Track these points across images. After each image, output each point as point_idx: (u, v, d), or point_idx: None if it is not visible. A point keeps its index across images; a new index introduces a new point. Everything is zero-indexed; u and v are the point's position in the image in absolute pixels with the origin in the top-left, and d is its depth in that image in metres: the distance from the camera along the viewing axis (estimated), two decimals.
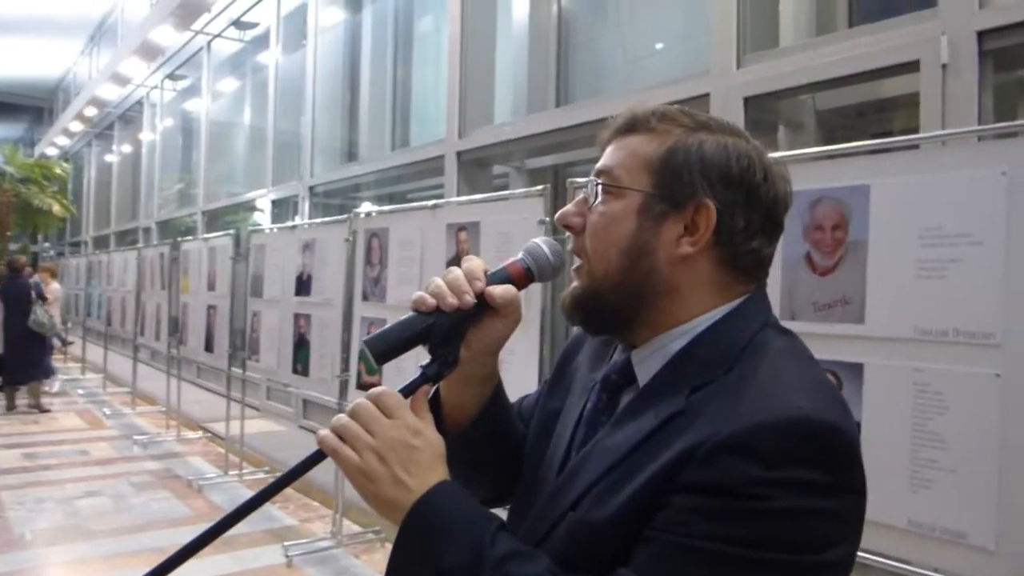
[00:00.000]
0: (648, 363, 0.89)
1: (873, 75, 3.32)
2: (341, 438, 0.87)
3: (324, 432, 0.88)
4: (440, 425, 0.95)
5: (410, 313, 0.92)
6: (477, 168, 5.94)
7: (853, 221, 2.15)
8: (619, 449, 0.84)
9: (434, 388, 0.97)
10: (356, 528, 4.65)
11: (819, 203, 2.23)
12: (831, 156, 2.33)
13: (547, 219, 3.18)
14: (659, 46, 5.64)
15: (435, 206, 3.90)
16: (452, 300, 0.90)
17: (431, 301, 0.90)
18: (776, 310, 2.31)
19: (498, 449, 1.04)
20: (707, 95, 3.85)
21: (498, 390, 1.03)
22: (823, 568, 0.74)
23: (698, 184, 0.86)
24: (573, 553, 0.82)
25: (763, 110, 3.81)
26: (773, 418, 0.75)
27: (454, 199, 4.10)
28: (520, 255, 0.97)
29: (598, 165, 0.92)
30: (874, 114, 4.07)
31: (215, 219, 11.61)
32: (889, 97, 3.77)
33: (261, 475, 5.91)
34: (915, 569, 2.03)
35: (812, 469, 0.74)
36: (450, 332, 0.92)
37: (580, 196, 0.93)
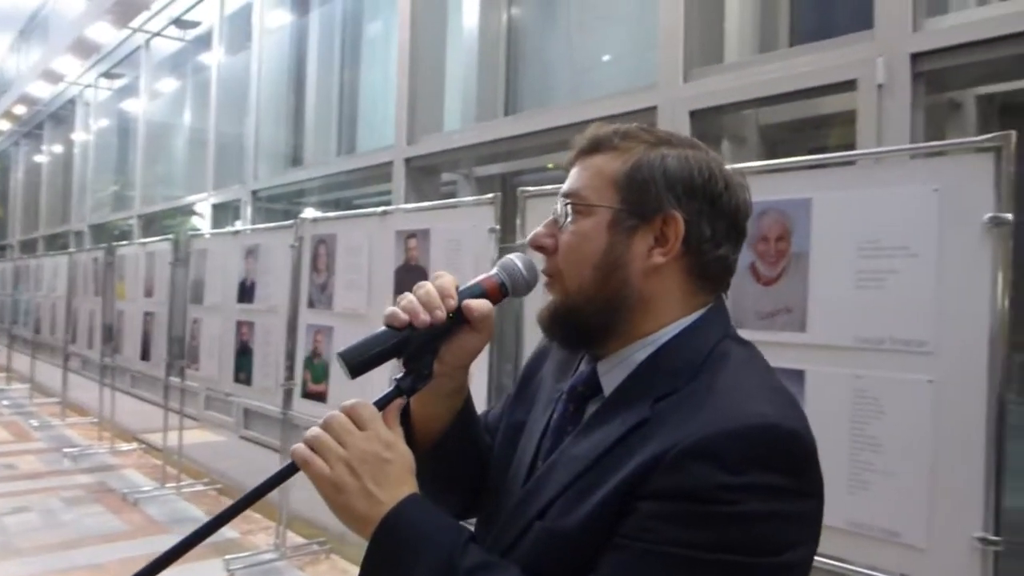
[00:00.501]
0: (613, 373, 0.92)
1: (814, 92, 3.44)
2: (313, 449, 0.86)
3: (297, 444, 0.88)
4: (410, 438, 0.95)
5: (384, 327, 0.92)
6: (425, 175, 5.92)
7: (796, 233, 2.23)
8: (586, 457, 0.86)
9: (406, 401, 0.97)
10: (300, 540, 4.58)
11: (764, 215, 2.30)
12: (774, 170, 2.40)
13: (497, 227, 3.21)
14: (606, 58, 5.73)
15: (384, 213, 3.88)
16: (425, 317, 0.91)
17: (404, 317, 0.91)
18: None
19: (467, 462, 1.05)
20: (655, 107, 3.93)
21: (467, 403, 1.04)
22: (785, 569, 0.77)
23: (664, 196, 0.89)
24: (541, 561, 0.84)
25: (708, 124, 3.91)
26: (737, 425, 0.78)
27: (404, 206, 4.09)
28: (495, 270, 0.98)
29: (565, 187, 0.95)
30: (813, 129, 4.21)
31: (151, 223, 11.30)
32: (828, 114, 3.91)
33: (200, 487, 5.76)
34: (854, 568, 2.10)
35: (775, 474, 0.77)
36: (424, 346, 0.93)
37: (550, 218, 0.95)
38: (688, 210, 0.89)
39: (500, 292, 0.97)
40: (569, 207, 0.92)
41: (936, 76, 3.12)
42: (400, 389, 0.93)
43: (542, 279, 0.98)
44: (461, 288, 0.96)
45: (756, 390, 0.84)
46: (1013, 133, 1.80)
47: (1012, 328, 1.83)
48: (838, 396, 2.12)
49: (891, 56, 3.06)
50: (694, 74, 3.87)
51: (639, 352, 0.90)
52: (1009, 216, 1.81)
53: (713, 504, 0.75)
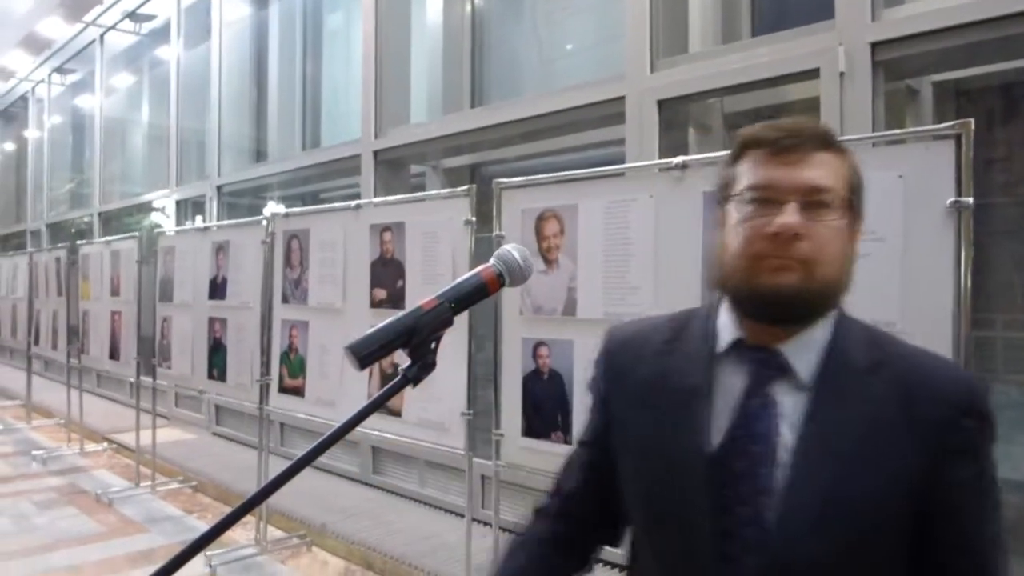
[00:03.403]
0: (803, 354, 0.99)
1: (778, 81, 3.53)
2: None
3: None
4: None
5: (391, 318, 0.96)
6: (394, 168, 5.92)
7: None
8: (845, 433, 0.95)
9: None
10: (280, 534, 4.59)
11: None
12: None
13: (473, 219, 3.24)
14: (570, 47, 5.78)
15: (358, 207, 3.89)
16: None
17: None
18: (697, 303, 2.45)
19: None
20: (623, 97, 3.99)
21: None
22: None
23: (862, 197, 1.03)
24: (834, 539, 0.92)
25: (675, 113, 3.98)
26: (973, 383, 0.98)
27: (377, 199, 4.10)
28: (492, 261, 1.03)
29: (812, 178, 0.97)
30: (776, 117, 4.31)
31: (111, 220, 11.09)
32: (790, 101, 4.01)
33: (175, 485, 5.72)
34: None
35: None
36: (429, 336, 0.97)
37: (791, 205, 0.96)
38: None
39: (498, 282, 1.02)
40: (827, 199, 0.97)
41: (895, 64, 3.23)
42: (407, 378, 0.97)
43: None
44: (460, 279, 1.01)
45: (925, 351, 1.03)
46: (972, 121, 1.89)
47: (973, 307, 1.93)
48: None
49: (851, 45, 3.16)
50: (661, 64, 3.93)
51: (818, 332, 1.00)
52: (970, 200, 1.90)
53: (989, 454, 0.95)
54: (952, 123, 1.93)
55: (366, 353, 0.95)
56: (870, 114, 3.10)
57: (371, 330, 0.96)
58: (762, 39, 3.68)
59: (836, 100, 3.18)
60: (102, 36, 11.08)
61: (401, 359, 0.98)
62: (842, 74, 3.16)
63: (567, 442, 2.86)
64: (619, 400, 1.12)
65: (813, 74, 3.30)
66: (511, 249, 1.04)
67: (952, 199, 1.94)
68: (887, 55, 3.14)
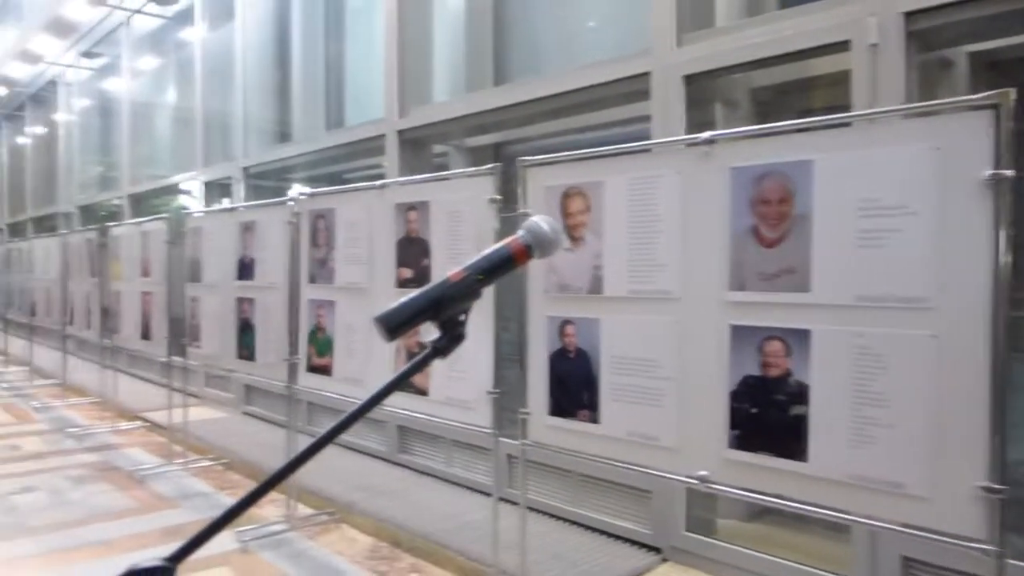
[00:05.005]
0: None
1: (806, 54, 3.45)
2: None
3: None
4: None
5: (419, 291, 0.96)
6: (417, 147, 5.91)
7: (798, 195, 2.26)
8: None
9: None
10: (309, 511, 4.65)
11: (765, 178, 2.34)
12: (774, 133, 2.43)
13: (498, 197, 3.23)
14: (593, 23, 5.70)
15: (383, 186, 3.89)
16: None
17: None
18: (724, 281, 2.43)
19: None
20: (648, 73, 3.94)
21: None
22: None
23: None
24: None
25: (701, 88, 3.92)
26: None
27: (402, 179, 4.10)
28: (520, 232, 1.02)
29: None
30: (803, 91, 4.23)
31: (140, 202, 11.22)
32: (818, 75, 3.92)
33: (206, 463, 5.81)
34: (857, 519, 2.18)
35: None
36: (458, 308, 0.96)
37: None
38: None
39: (527, 253, 1.01)
40: None
41: (928, 34, 3.14)
42: (436, 349, 0.97)
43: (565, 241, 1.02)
44: (487, 251, 1.00)
45: None
46: (1012, 90, 1.83)
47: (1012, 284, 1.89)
48: (842, 354, 2.17)
49: (883, 15, 3.08)
50: (687, 39, 3.87)
51: None
52: (1009, 172, 1.85)
53: None
54: (990, 92, 1.88)
55: (395, 324, 0.95)
56: (903, 87, 3.03)
57: (400, 301, 0.96)
58: (790, 11, 3.59)
59: (867, 73, 3.11)
60: (128, 19, 11.15)
61: (428, 339, 0.98)
62: (873, 45, 3.08)
63: (594, 421, 2.86)
64: None
65: (843, 46, 3.22)
66: (539, 220, 1.03)
67: (990, 172, 1.89)
68: (920, 25, 3.05)
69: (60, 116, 14.98)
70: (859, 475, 2.15)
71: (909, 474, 2.05)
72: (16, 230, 17.43)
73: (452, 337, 0.97)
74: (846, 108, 3.16)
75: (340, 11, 8.13)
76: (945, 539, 1.99)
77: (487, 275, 0.97)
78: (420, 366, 0.95)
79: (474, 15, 6.18)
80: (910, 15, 3.05)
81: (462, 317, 0.97)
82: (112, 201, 12.21)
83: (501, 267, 1.00)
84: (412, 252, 3.67)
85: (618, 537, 4.03)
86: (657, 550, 3.85)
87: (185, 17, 9.90)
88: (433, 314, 0.95)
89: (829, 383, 2.20)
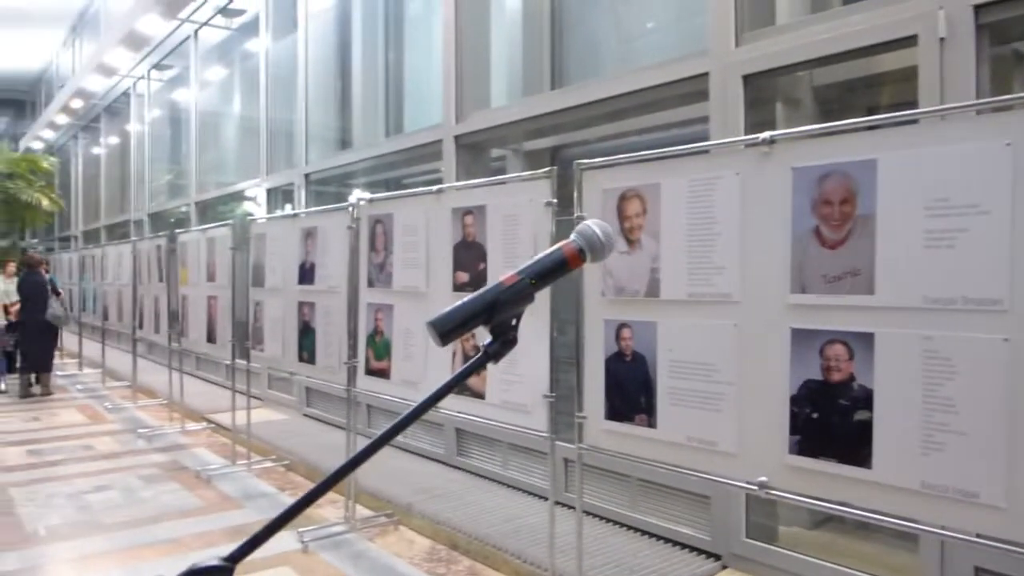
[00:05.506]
0: None
1: (871, 50, 3.36)
2: None
3: None
4: None
5: (472, 295, 0.97)
6: (475, 152, 5.96)
7: (861, 195, 2.20)
8: None
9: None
10: (368, 512, 4.72)
11: (827, 178, 2.29)
12: (837, 132, 2.37)
13: (554, 201, 3.23)
14: (650, 25, 5.66)
15: (439, 191, 3.93)
16: None
17: None
18: (786, 283, 2.37)
19: None
20: (706, 74, 3.89)
21: None
22: None
23: None
24: None
25: (761, 88, 3.85)
26: None
27: (458, 183, 4.13)
28: (573, 236, 1.02)
29: None
30: (868, 88, 4.12)
31: (207, 210, 11.58)
32: (883, 72, 3.81)
33: (269, 464, 5.95)
34: (929, 529, 2.10)
35: None
36: (510, 312, 0.96)
37: None
38: None
39: (579, 257, 1.01)
40: None
41: (1000, 27, 3.02)
42: (488, 354, 0.97)
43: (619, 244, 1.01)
44: (540, 255, 1.00)
45: None
46: None
47: None
48: (909, 358, 2.10)
49: (952, 8, 2.98)
50: (746, 38, 3.81)
51: None
52: None
53: None
54: None
55: (448, 328, 0.95)
56: (973, 82, 2.92)
57: (452, 306, 0.96)
58: (855, 6, 3.50)
59: (936, 68, 3.00)
60: (196, 32, 11.53)
61: (485, 342, 0.98)
62: (943, 40, 2.98)
63: (651, 425, 2.83)
64: None
65: (911, 41, 3.12)
66: (592, 224, 1.02)
67: None
68: (992, 17, 2.94)
69: (132, 126, 15.57)
70: (929, 483, 2.07)
71: (983, 483, 1.97)
72: (89, 237, 18.18)
73: (504, 341, 0.97)
74: (913, 105, 3.07)
75: (399, 19, 8.26)
76: (1022, 550, 1.90)
77: (540, 279, 0.97)
78: (472, 370, 0.96)
79: (531, 19, 6.20)
80: (980, 7, 2.94)
81: (514, 321, 0.98)
82: (180, 208, 12.63)
83: (554, 271, 1.00)
84: (469, 256, 3.69)
85: (676, 543, 3.98)
86: (717, 556, 3.78)
87: (251, 29, 10.20)
88: (486, 318, 0.96)
89: (895, 388, 2.13)
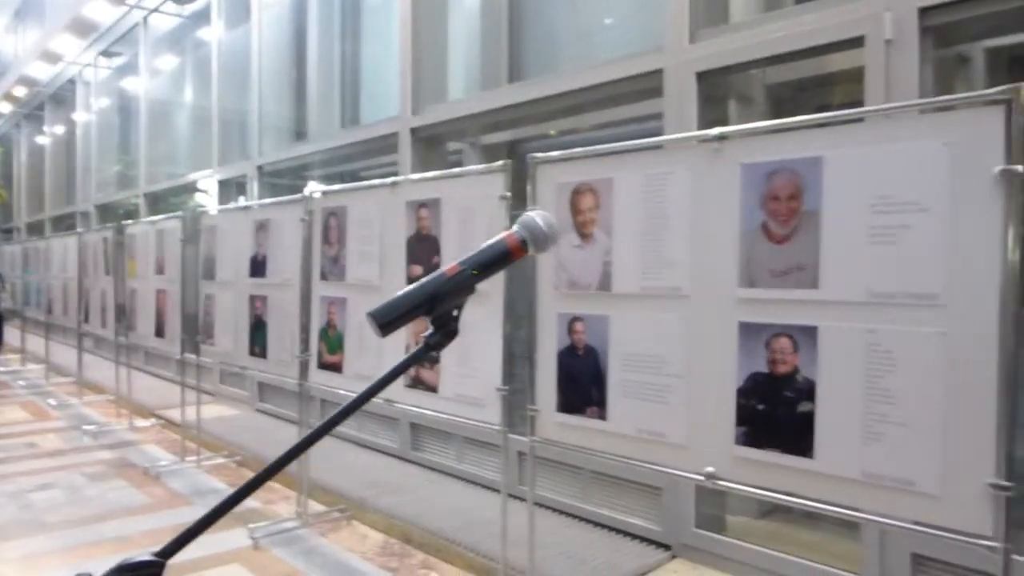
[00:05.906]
0: None
1: (821, 50, 3.43)
2: None
3: None
4: None
5: (413, 284, 0.96)
6: (431, 145, 5.92)
7: (808, 191, 2.25)
8: None
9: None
10: (321, 508, 4.67)
11: (775, 174, 2.33)
12: (785, 129, 2.41)
13: (508, 194, 3.23)
14: (608, 21, 5.69)
15: (394, 184, 3.90)
16: None
17: None
18: (734, 277, 2.41)
19: None
20: (660, 71, 3.92)
21: None
22: None
23: None
24: None
25: (715, 85, 3.90)
26: None
27: (414, 176, 4.11)
28: (515, 227, 1.02)
29: None
30: (819, 88, 4.20)
31: (157, 201, 11.33)
32: (834, 71, 3.89)
33: (220, 460, 5.86)
34: (868, 517, 2.16)
35: None
36: (451, 303, 0.96)
37: None
38: None
39: (522, 248, 1.01)
40: None
41: (944, 30, 3.11)
42: (428, 345, 0.97)
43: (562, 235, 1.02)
44: (483, 246, 1.00)
45: None
46: (1023, 85, 1.81)
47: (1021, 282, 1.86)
48: (851, 350, 2.16)
49: (899, 11, 3.05)
50: (700, 35, 3.85)
51: None
52: (1021, 168, 1.82)
53: None
54: (1002, 88, 1.86)
55: (388, 319, 0.95)
56: (917, 83, 3.00)
57: (393, 296, 0.96)
58: (806, 6, 3.57)
59: (882, 69, 3.08)
60: (145, 18, 11.25)
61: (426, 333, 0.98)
62: (888, 41, 3.06)
63: (602, 417, 2.85)
64: None
65: (858, 42, 3.20)
66: (535, 215, 1.03)
67: (1001, 167, 1.86)
68: (936, 20, 3.02)
69: (79, 115, 15.14)
70: (869, 472, 2.13)
71: (919, 471, 2.03)
72: (34, 229, 17.64)
73: (446, 332, 0.97)
74: (861, 105, 3.14)
75: (357, 9, 8.17)
76: (954, 536, 1.97)
77: (482, 270, 0.97)
78: (414, 361, 0.95)
79: (489, 12, 6.18)
80: (925, 11, 3.02)
81: (455, 312, 0.97)
82: (129, 200, 12.32)
83: (496, 262, 1.00)
84: (423, 249, 3.67)
85: (627, 534, 4.02)
86: (667, 547, 3.84)
87: (202, 16, 9.98)
88: (427, 309, 0.95)
89: (837, 380, 2.19)
